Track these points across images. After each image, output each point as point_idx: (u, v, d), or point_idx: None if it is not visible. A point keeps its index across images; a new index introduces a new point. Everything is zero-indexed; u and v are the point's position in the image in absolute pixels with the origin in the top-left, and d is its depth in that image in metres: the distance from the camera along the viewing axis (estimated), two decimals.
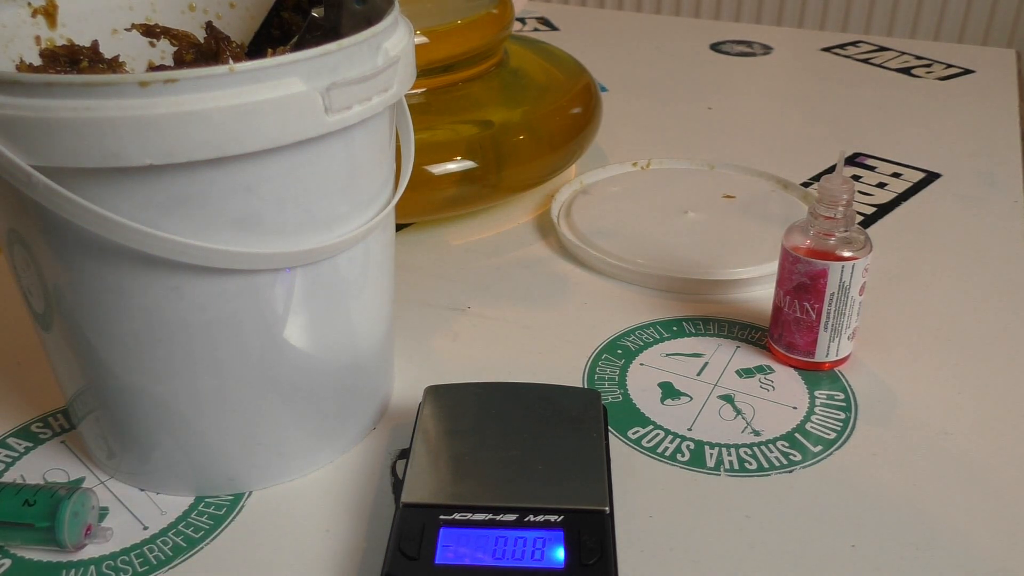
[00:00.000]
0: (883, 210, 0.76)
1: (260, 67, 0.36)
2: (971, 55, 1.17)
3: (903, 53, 1.18)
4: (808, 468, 0.48)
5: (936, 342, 0.59)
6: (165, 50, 0.52)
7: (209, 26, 0.48)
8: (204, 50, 0.47)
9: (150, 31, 0.48)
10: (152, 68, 0.51)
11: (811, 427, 0.51)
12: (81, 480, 0.48)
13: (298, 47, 0.47)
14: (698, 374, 0.56)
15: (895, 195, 0.79)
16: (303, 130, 0.38)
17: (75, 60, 0.45)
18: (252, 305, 0.42)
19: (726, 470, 0.48)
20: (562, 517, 0.41)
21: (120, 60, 0.47)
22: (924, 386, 0.55)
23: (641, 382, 0.55)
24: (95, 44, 0.46)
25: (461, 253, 0.70)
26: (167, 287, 0.40)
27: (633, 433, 0.51)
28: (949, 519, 0.45)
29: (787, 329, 0.55)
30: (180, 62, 0.47)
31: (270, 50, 0.45)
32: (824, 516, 0.45)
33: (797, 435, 0.51)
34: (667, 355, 0.58)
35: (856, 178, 0.82)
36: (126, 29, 0.49)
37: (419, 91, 0.71)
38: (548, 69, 0.81)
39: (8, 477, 0.48)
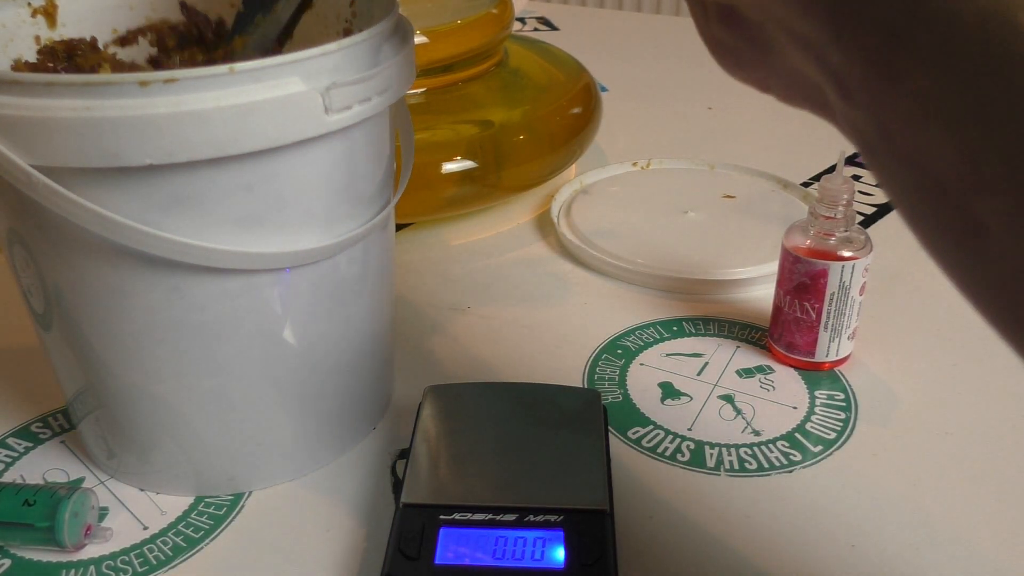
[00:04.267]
0: (883, 210, 0.76)
1: (260, 67, 0.36)
2: None
3: None
4: (808, 468, 0.48)
5: (936, 342, 0.59)
6: None
7: (184, 7, 0.47)
8: (185, 33, 0.47)
9: (125, 41, 0.47)
10: (151, 60, 0.51)
11: (811, 427, 0.51)
12: (81, 480, 0.48)
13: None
14: (698, 374, 0.56)
15: None
16: (303, 130, 0.38)
17: (72, 54, 0.45)
18: (252, 305, 0.42)
19: (726, 470, 0.48)
20: (562, 517, 0.41)
21: (116, 56, 0.47)
22: (924, 386, 0.55)
23: (641, 382, 0.55)
24: (94, 40, 0.46)
25: (461, 253, 0.70)
26: (167, 287, 0.40)
27: (633, 433, 0.51)
28: (949, 519, 0.45)
29: (787, 329, 0.55)
30: (164, 48, 0.47)
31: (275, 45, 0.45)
32: (824, 516, 0.45)
33: (797, 435, 0.51)
34: (667, 355, 0.58)
35: (856, 178, 0.82)
36: (104, 46, 0.48)
37: (419, 91, 0.71)
38: (548, 69, 0.81)
39: (8, 477, 0.48)
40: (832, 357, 0.55)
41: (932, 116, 0.21)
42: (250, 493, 0.47)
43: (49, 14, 0.47)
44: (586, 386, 0.55)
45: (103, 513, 0.46)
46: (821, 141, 0.90)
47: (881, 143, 0.23)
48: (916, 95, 0.21)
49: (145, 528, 0.45)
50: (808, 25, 0.25)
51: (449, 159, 0.67)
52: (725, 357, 0.57)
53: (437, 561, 0.39)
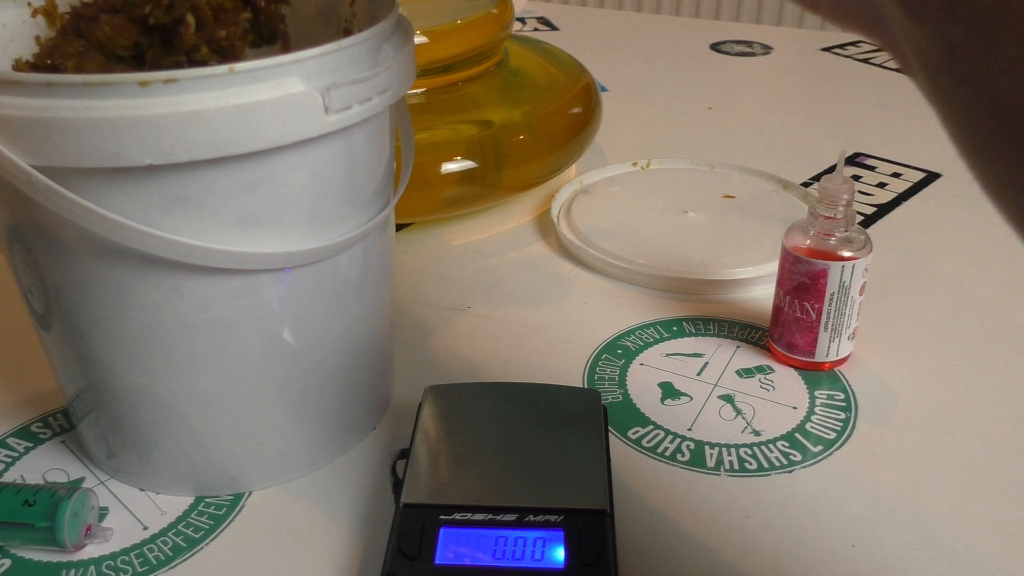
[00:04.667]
0: (883, 210, 0.76)
1: (260, 67, 0.36)
2: None
3: None
4: (808, 468, 0.48)
5: (936, 342, 0.59)
6: None
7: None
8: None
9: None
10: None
11: (811, 427, 0.51)
12: (81, 480, 0.48)
13: None
14: (698, 374, 0.56)
15: (895, 195, 0.79)
16: (303, 130, 0.38)
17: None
18: (252, 305, 0.42)
19: (726, 470, 0.48)
20: (562, 517, 0.41)
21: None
22: (924, 386, 0.55)
23: (641, 382, 0.55)
24: None
25: (461, 253, 0.70)
26: (167, 287, 0.40)
27: (633, 433, 0.51)
28: (949, 519, 0.45)
29: (787, 329, 0.55)
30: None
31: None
32: (824, 516, 0.45)
33: (797, 435, 0.51)
34: (667, 355, 0.58)
35: (856, 178, 0.82)
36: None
37: (419, 91, 0.71)
38: (548, 69, 0.81)
39: (8, 477, 0.48)
40: (832, 357, 0.55)
41: (1006, 31, 0.20)
42: (250, 493, 0.47)
43: (49, 14, 0.47)
44: (586, 386, 0.55)
45: (103, 513, 0.46)
46: (821, 141, 0.90)
47: (945, 64, 0.22)
48: (990, 8, 0.20)
49: (145, 528, 0.45)
50: None
51: (449, 159, 0.67)
52: (725, 357, 0.57)
53: (437, 561, 0.39)
